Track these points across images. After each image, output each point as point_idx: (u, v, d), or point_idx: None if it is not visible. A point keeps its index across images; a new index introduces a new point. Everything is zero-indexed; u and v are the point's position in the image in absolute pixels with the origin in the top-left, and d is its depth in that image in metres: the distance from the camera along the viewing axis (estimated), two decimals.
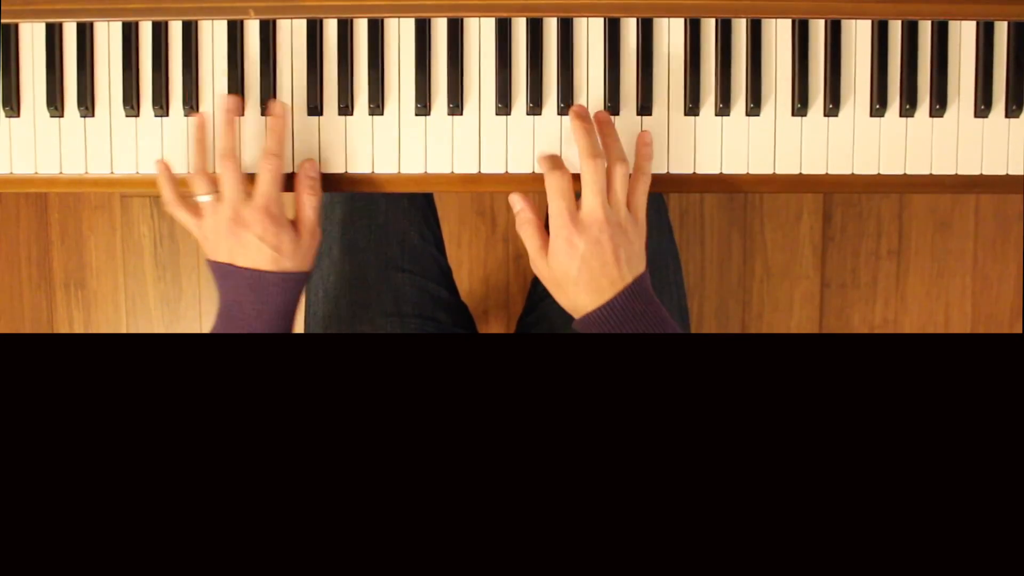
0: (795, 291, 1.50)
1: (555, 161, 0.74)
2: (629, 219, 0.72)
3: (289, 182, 0.77)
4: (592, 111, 0.77)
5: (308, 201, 0.76)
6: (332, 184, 0.79)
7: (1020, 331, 1.50)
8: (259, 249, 0.72)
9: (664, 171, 0.79)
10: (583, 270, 0.70)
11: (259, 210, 0.73)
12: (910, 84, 0.79)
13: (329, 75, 0.78)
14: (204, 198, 0.74)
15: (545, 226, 0.73)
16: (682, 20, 0.78)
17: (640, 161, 0.75)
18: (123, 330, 1.51)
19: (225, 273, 0.74)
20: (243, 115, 0.78)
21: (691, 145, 0.79)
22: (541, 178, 0.78)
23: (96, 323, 1.51)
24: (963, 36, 0.79)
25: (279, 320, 0.74)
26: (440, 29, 0.78)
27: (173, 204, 0.76)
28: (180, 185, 0.77)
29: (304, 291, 0.95)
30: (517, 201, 0.75)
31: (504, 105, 0.77)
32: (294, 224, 0.75)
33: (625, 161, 0.72)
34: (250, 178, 0.75)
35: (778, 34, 0.79)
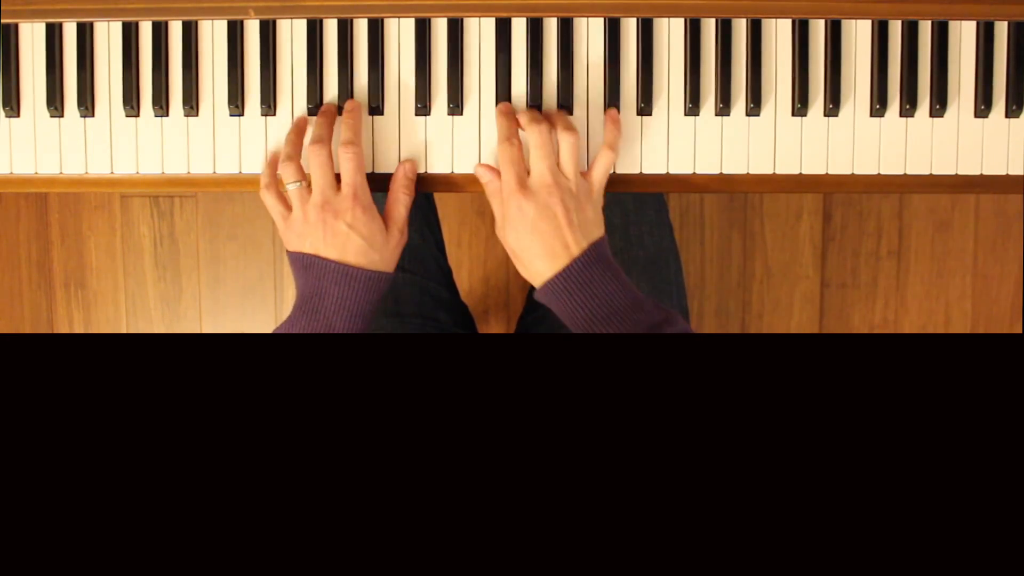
0: (795, 291, 1.50)
1: (509, 132, 0.74)
2: (582, 185, 0.72)
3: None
4: (592, 111, 0.77)
5: (403, 199, 0.75)
6: (374, 184, 0.79)
7: (1020, 331, 1.50)
8: (348, 237, 0.71)
9: (664, 171, 0.79)
10: (535, 235, 0.71)
11: (349, 198, 0.72)
12: (910, 84, 0.79)
13: (329, 75, 0.78)
14: (293, 186, 0.73)
15: None
16: (682, 20, 0.78)
17: (608, 136, 0.76)
18: (123, 330, 1.51)
19: (308, 264, 0.72)
20: (243, 115, 0.78)
21: (691, 145, 0.79)
22: None
23: (96, 323, 1.51)
24: (963, 36, 0.79)
25: (359, 319, 0.72)
26: (440, 29, 0.78)
27: (266, 188, 0.75)
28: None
29: None
30: (484, 173, 0.75)
31: None
32: (383, 219, 0.75)
33: (574, 131, 0.73)
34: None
35: (778, 34, 0.79)
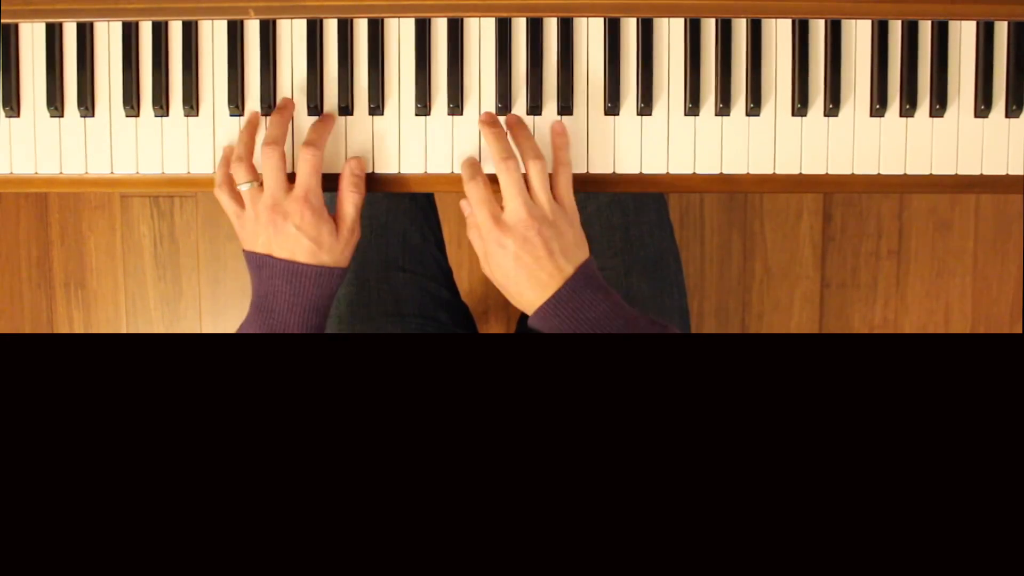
0: (795, 291, 1.50)
1: (473, 170, 0.74)
2: (557, 210, 0.72)
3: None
4: (592, 111, 0.77)
5: (351, 198, 0.75)
6: (333, 184, 0.79)
7: (1020, 331, 1.50)
8: (297, 240, 0.72)
9: (664, 171, 0.79)
10: (519, 268, 0.71)
11: (299, 200, 0.72)
12: (910, 84, 0.79)
13: (329, 75, 0.78)
14: (244, 186, 0.74)
15: None
16: (682, 20, 0.78)
17: (556, 152, 0.76)
18: (123, 330, 1.51)
19: (261, 263, 0.73)
20: (243, 115, 0.78)
21: (691, 145, 0.79)
22: None
23: (96, 323, 1.51)
24: (963, 36, 0.79)
25: (313, 314, 0.74)
26: (440, 29, 0.78)
27: (219, 186, 0.75)
28: (187, 183, 0.77)
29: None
30: (467, 207, 0.75)
31: (504, 105, 0.77)
32: (334, 219, 0.75)
33: (540, 158, 0.73)
34: (289, 177, 0.75)
35: (778, 34, 0.79)
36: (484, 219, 0.72)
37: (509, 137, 0.76)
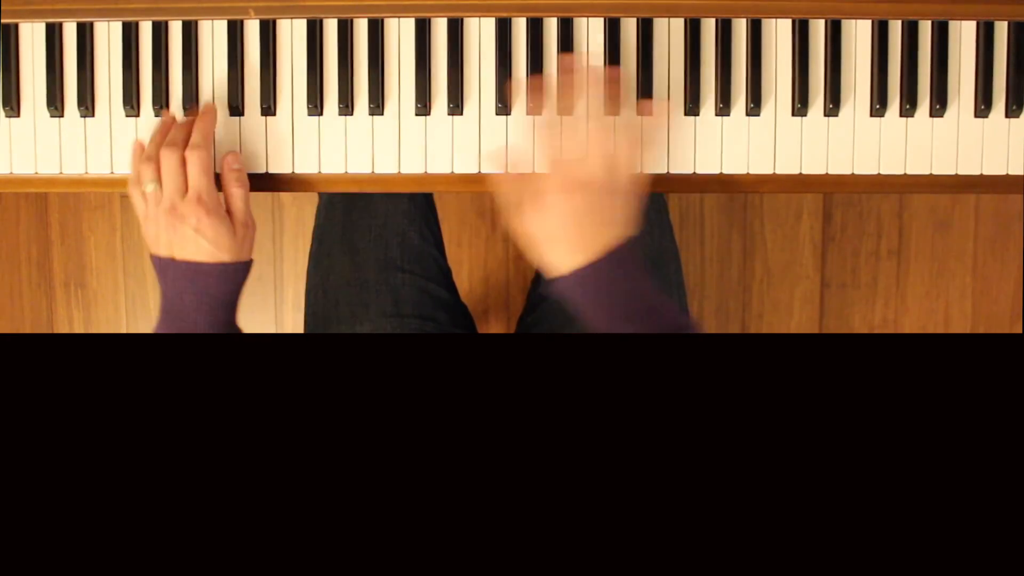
0: (795, 291, 1.50)
1: (552, 118, 0.73)
2: (628, 182, 0.72)
3: (281, 183, 0.77)
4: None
5: (237, 193, 0.76)
6: (333, 184, 0.79)
7: (1020, 331, 1.50)
8: (196, 242, 0.72)
9: (664, 171, 0.79)
10: (568, 226, 0.69)
11: (192, 202, 0.72)
12: (910, 84, 0.79)
13: (329, 75, 0.78)
14: (149, 187, 0.74)
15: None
16: (682, 20, 0.78)
17: (647, 130, 0.75)
18: (123, 330, 1.51)
19: (165, 267, 0.74)
20: (244, 115, 0.78)
21: (691, 145, 0.79)
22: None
23: (96, 323, 1.51)
24: (963, 36, 0.79)
25: (221, 310, 0.74)
26: (440, 29, 0.78)
27: (131, 184, 0.75)
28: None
29: (304, 291, 0.95)
30: (502, 157, 0.75)
31: (504, 105, 0.77)
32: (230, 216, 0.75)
33: (635, 127, 0.73)
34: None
35: (778, 34, 0.79)
36: (556, 166, 0.71)
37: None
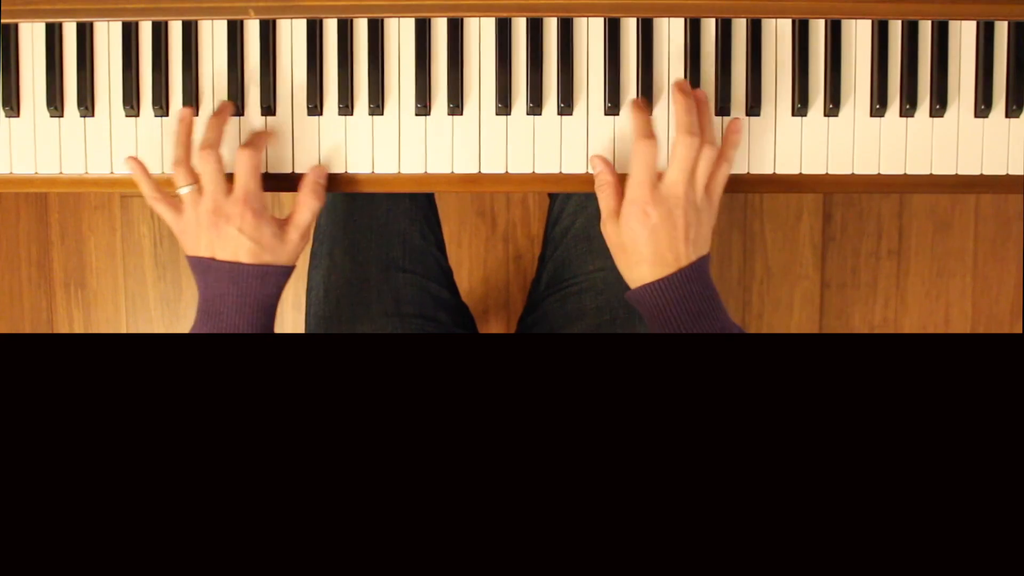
0: (795, 291, 1.50)
1: (647, 129, 0.74)
2: (705, 201, 0.73)
3: (280, 182, 0.77)
4: (592, 111, 0.77)
5: (309, 203, 0.76)
6: (333, 184, 0.79)
7: (1020, 331, 1.50)
8: (239, 242, 0.72)
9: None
10: (651, 241, 0.72)
11: (239, 202, 0.72)
12: (910, 84, 0.79)
13: (329, 75, 0.78)
14: (184, 190, 0.74)
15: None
16: (682, 20, 0.78)
17: (726, 148, 0.76)
18: (123, 330, 1.51)
19: (206, 267, 0.73)
20: (244, 115, 0.78)
21: None
22: (539, 178, 0.78)
23: (96, 323, 1.51)
24: (963, 36, 0.79)
25: (260, 314, 0.74)
26: (440, 29, 0.78)
27: (153, 199, 0.75)
28: (163, 184, 0.76)
29: (305, 291, 0.95)
30: (598, 163, 0.76)
31: (504, 105, 0.77)
32: (284, 222, 0.75)
33: (715, 145, 0.74)
34: (230, 177, 0.75)
35: (778, 34, 0.79)
36: (641, 181, 0.72)
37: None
